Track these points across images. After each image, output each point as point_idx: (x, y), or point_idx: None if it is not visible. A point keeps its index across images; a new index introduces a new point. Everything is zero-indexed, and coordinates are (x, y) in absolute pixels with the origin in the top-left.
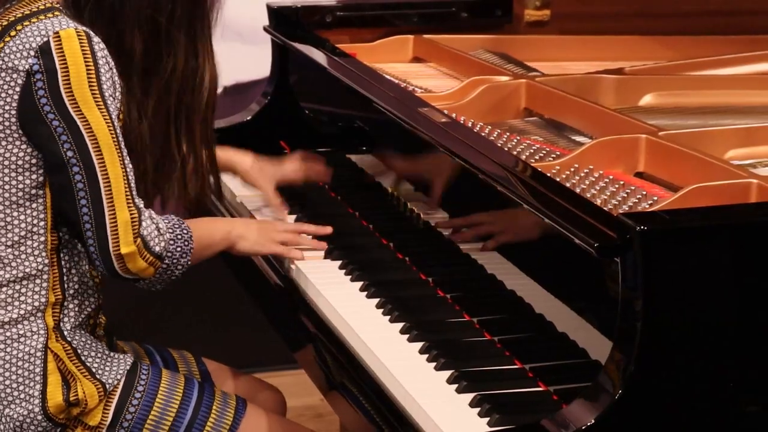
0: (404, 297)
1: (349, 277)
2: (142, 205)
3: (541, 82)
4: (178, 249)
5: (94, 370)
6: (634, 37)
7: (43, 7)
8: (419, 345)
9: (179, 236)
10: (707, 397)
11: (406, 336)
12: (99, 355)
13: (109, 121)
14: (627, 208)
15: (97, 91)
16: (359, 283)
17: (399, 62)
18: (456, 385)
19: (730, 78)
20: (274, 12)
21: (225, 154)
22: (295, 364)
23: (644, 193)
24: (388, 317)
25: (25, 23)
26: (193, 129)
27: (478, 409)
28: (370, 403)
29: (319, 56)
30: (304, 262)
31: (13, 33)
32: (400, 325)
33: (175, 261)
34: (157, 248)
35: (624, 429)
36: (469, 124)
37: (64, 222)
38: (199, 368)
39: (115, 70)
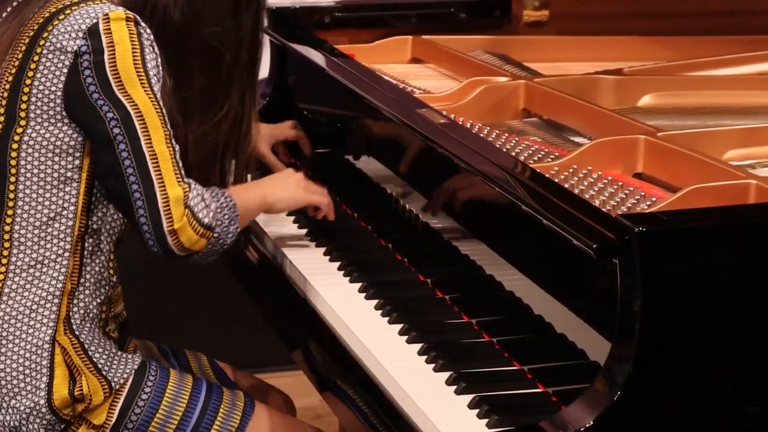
0: (403, 298)
1: (348, 278)
2: (189, 179)
3: (540, 82)
4: (226, 217)
5: (100, 366)
6: (633, 37)
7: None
8: (418, 346)
9: (224, 204)
10: (706, 398)
11: (405, 337)
12: (106, 352)
13: (154, 100)
14: (626, 209)
15: (142, 71)
16: (358, 284)
17: (397, 63)
18: (455, 387)
19: (729, 78)
20: (272, 13)
21: None
22: (294, 365)
23: (643, 193)
24: (387, 318)
25: (74, 7)
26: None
27: (477, 411)
28: (369, 404)
29: (317, 57)
30: (302, 263)
31: (62, 17)
32: (399, 326)
33: (224, 229)
34: (206, 219)
35: (623, 430)
36: (468, 125)
37: (112, 200)
38: (213, 369)
39: (161, 60)
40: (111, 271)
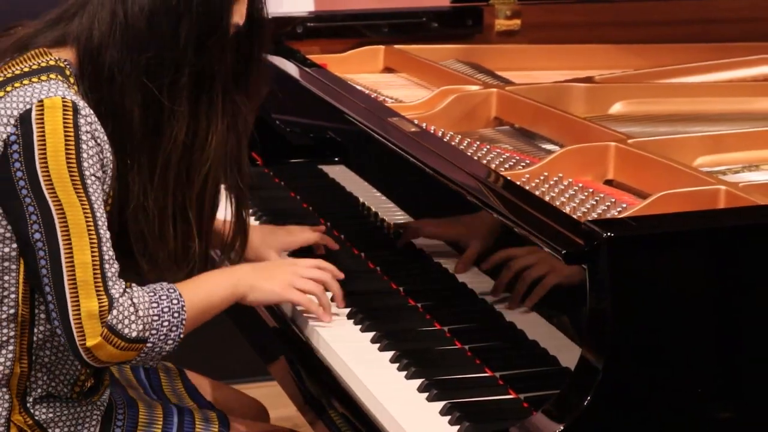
0: (375, 306)
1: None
2: (119, 291)
3: (512, 91)
4: (165, 324)
5: None
6: (604, 45)
7: (45, 64)
8: (390, 354)
9: (166, 309)
10: (676, 403)
11: (377, 345)
12: (67, 422)
13: (86, 203)
14: (596, 216)
15: (75, 171)
16: (329, 294)
17: (370, 73)
18: (427, 394)
19: (699, 86)
20: None
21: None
22: (270, 376)
23: (613, 200)
24: (359, 327)
25: (15, 84)
26: (187, 204)
27: (448, 417)
28: (341, 412)
29: (290, 67)
30: None
31: (0, 95)
32: (371, 334)
33: (162, 337)
34: (134, 333)
35: None
36: (440, 134)
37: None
38: (185, 385)
39: (105, 146)
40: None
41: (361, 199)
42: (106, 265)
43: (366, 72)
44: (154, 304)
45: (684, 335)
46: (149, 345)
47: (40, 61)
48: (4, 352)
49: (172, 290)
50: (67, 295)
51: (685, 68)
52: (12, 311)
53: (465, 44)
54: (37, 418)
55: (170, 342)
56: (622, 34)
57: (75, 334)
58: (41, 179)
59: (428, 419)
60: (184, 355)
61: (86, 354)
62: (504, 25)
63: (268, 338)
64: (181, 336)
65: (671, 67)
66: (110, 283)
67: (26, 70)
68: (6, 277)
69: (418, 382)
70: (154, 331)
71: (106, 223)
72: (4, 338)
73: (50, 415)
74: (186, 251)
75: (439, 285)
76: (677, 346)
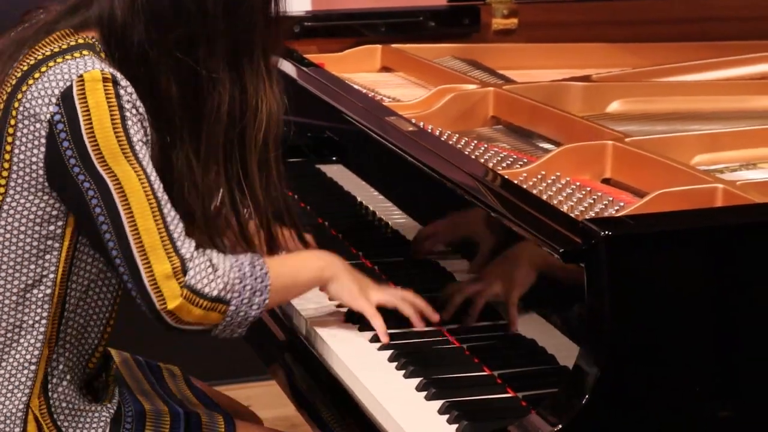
0: None
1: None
2: (190, 250)
3: (509, 90)
4: (248, 287)
5: (63, 430)
6: (601, 44)
7: (74, 43)
8: (388, 353)
9: (249, 273)
10: (674, 401)
11: (376, 345)
12: (74, 414)
13: (139, 170)
14: (593, 215)
15: (124, 140)
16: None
17: (367, 72)
18: (425, 392)
19: (696, 84)
20: None
21: None
22: (267, 375)
23: (611, 199)
24: (357, 326)
25: (50, 63)
26: (249, 174)
27: (446, 416)
28: (339, 411)
29: (287, 67)
30: None
31: (36, 75)
32: (369, 333)
33: (245, 301)
34: (215, 291)
35: None
36: (437, 133)
37: (107, 266)
38: (189, 387)
39: (145, 118)
40: (105, 335)
41: (359, 199)
42: (171, 226)
43: (363, 71)
44: (236, 268)
45: (682, 334)
46: (232, 308)
47: (69, 41)
48: (35, 333)
49: (256, 257)
50: (139, 263)
51: (683, 67)
52: (49, 291)
53: (462, 43)
54: (50, 402)
55: (255, 307)
56: (619, 32)
57: (155, 299)
58: (92, 154)
59: (427, 418)
60: (172, 352)
61: (170, 317)
62: (501, 24)
63: (266, 337)
64: (267, 302)
65: (668, 66)
66: (179, 243)
67: (56, 50)
68: (47, 256)
69: (416, 381)
70: (236, 294)
71: (162, 186)
72: (38, 318)
73: (63, 404)
74: (244, 233)
75: (438, 284)
76: (675, 345)
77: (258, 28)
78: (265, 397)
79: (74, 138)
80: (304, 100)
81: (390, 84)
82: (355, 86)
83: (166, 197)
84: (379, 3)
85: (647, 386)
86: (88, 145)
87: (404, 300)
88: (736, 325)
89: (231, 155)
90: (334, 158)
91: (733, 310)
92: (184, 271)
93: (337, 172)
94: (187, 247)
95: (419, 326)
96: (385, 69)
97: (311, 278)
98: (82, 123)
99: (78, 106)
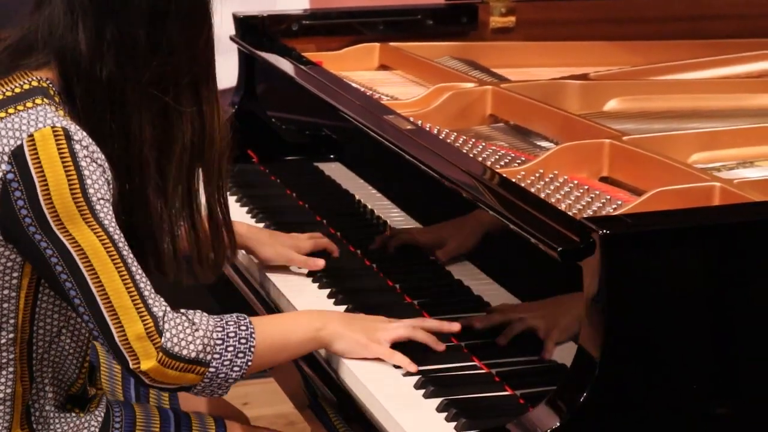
0: (372, 304)
1: (317, 284)
2: (161, 308)
3: (507, 88)
4: (230, 348)
5: None
6: (598, 42)
7: (28, 86)
8: None
9: (233, 334)
10: (672, 400)
11: None
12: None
13: (100, 231)
14: (591, 213)
15: (82, 201)
16: (327, 290)
17: (365, 70)
18: (423, 390)
19: (694, 82)
20: (240, 21)
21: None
22: (264, 373)
23: (608, 197)
24: None
25: (0, 114)
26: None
27: (445, 414)
28: (337, 408)
29: (285, 65)
30: (272, 273)
31: None
32: None
33: (226, 363)
34: (193, 353)
35: None
36: (435, 131)
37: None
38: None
39: (106, 166)
40: (84, 366)
41: (357, 197)
42: (141, 284)
43: (361, 69)
44: (219, 328)
45: (680, 331)
46: (212, 370)
47: (22, 82)
48: (5, 373)
49: (242, 317)
50: (110, 324)
51: (680, 65)
52: (11, 336)
53: (460, 41)
54: (36, 427)
55: (236, 369)
56: (617, 31)
57: (128, 359)
58: (49, 219)
59: (425, 416)
60: None
61: (144, 377)
62: (499, 22)
63: None
64: (250, 364)
65: (666, 64)
66: (150, 302)
67: (9, 94)
68: (5, 305)
69: (414, 379)
70: (217, 355)
71: (126, 243)
72: (4, 360)
73: (50, 429)
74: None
75: (435, 282)
76: (673, 343)
77: (213, 55)
78: (263, 395)
79: (30, 200)
80: (302, 99)
81: (388, 82)
82: (354, 84)
83: (131, 255)
84: (377, 1)
85: (645, 384)
86: (45, 209)
87: (415, 329)
88: (733, 323)
89: (192, 184)
90: (332, 156)
91: (730, 309)
92: (159, 332)
93: (335, 170)
94: (158, 305)
95: (439, 348)
96: (383, 67)
97: (305, 339)
98: (37, 185)
99: (31, 167)
